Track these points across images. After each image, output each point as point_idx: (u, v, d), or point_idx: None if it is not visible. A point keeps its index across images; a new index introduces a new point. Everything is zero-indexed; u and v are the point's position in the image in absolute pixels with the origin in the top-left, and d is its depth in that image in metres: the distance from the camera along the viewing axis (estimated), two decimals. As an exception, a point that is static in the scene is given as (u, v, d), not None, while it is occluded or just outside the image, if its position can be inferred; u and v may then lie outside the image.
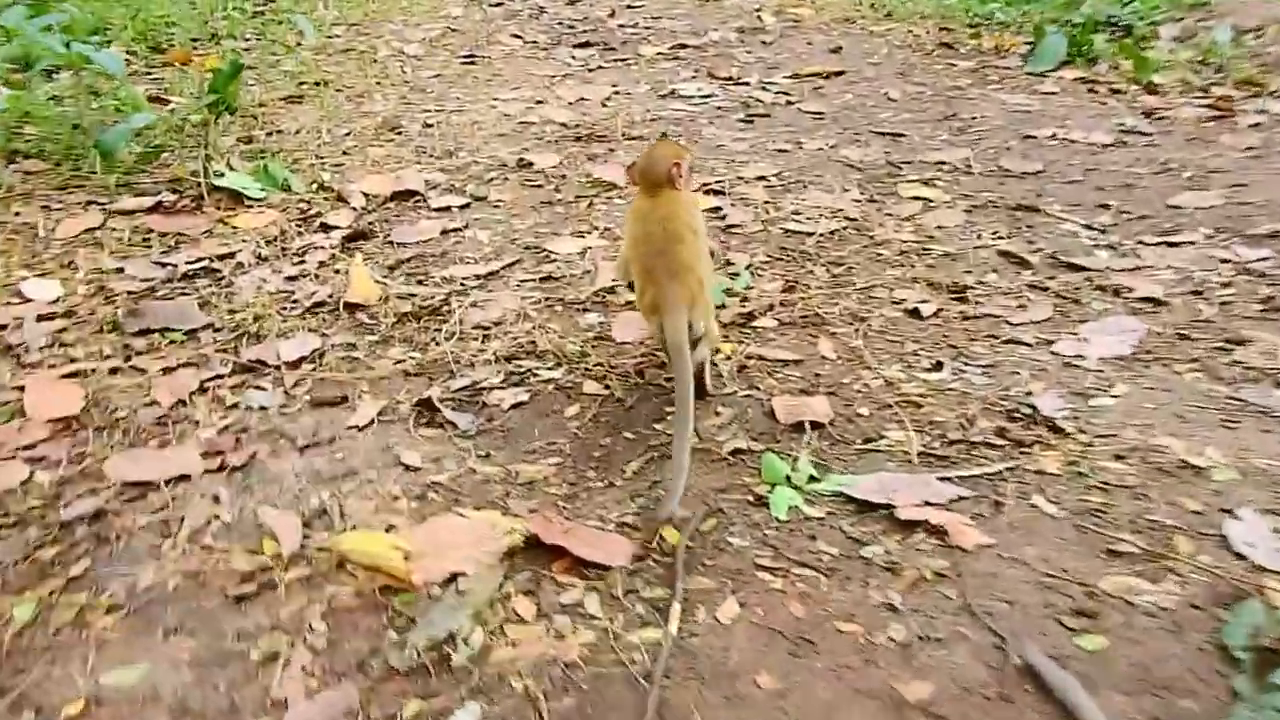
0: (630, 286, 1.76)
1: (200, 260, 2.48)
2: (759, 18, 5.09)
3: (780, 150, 3.19)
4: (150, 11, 4.80)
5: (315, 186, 2.93)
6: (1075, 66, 4.12)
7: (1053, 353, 1.90)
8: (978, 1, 5.36)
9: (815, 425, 1.66)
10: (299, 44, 4.43)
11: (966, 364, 1.86)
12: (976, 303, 2.11)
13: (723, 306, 2.10)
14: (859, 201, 2.73)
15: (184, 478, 1.61)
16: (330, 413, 1.81)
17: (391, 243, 2.56)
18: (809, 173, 2.97)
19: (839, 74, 4.09)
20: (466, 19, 5.19)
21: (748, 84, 3.98)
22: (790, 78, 4.07)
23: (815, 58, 4.40)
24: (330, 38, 4.70)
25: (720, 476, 1.57)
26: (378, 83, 3.94)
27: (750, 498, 1.51)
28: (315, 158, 3.15)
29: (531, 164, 3.05)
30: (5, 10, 4.64)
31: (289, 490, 1.58)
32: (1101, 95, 3.73)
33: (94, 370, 1.97)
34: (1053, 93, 3.79)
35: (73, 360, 2.02)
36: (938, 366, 1.85)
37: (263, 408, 1.83)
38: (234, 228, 2.69)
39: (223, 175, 2.89)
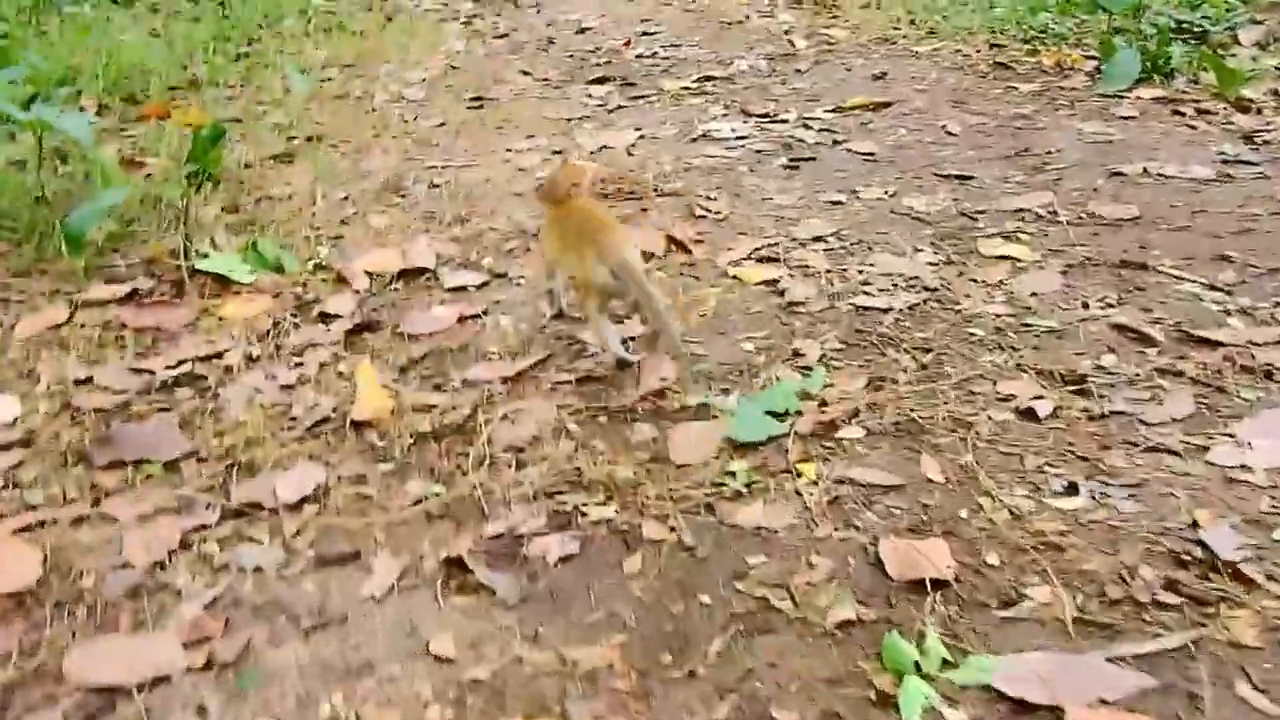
0: (550, 296, 2.31)
1: (181, 364, 2.26)
2: (790, 42, 4.90)
3: (834, 202, 2.97)
4: (123, 58, 4.64)
5: (312, 265, 2.72)
6: (1151, 84, 3.89)
7: (1209, 463, 1.66)
8: (1028, 12, 5.16)
9: (938, 583, 1.41)
10: (288, 91, 4.25)
11: (1106, 484, 1.62)
12: (1100, 396, 1.86)
13: (799, 413, 1.86)
14: (935, 265, 2.50)
15: (162, 679, 1.38)
16: (340, 574, 1.57)
17: (401, 335, 2.34)
18: (871, 229, 2.74)
19: (887, 105, 3.88)
20: (468, 55, 5.03)
21: (786, 121, 3.78)
22: (833, 111, 3.86)
23: (857, 86, 4.19)
24: (322, 82, 4.53)
25: (827, 661, 1.32)
26: (376, 135, 3.75)
27: (871, 694, 1.26)
28: (310, 228, 2.95)
29: (555, 229, 2.83)
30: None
31: (291, 692, 1.34)
32: (1188, 117, 3.50)
33: (55, 520, 1.75)
34: (1132, 117, 3.56)
35: (30, 507, 1.80)
36: (1072, 489, 1.61)
37: (258, 569, 1.60)
38: (220, 319, 2.49)
39: (206, 256, 2.69)
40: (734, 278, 2.48)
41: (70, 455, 1.93)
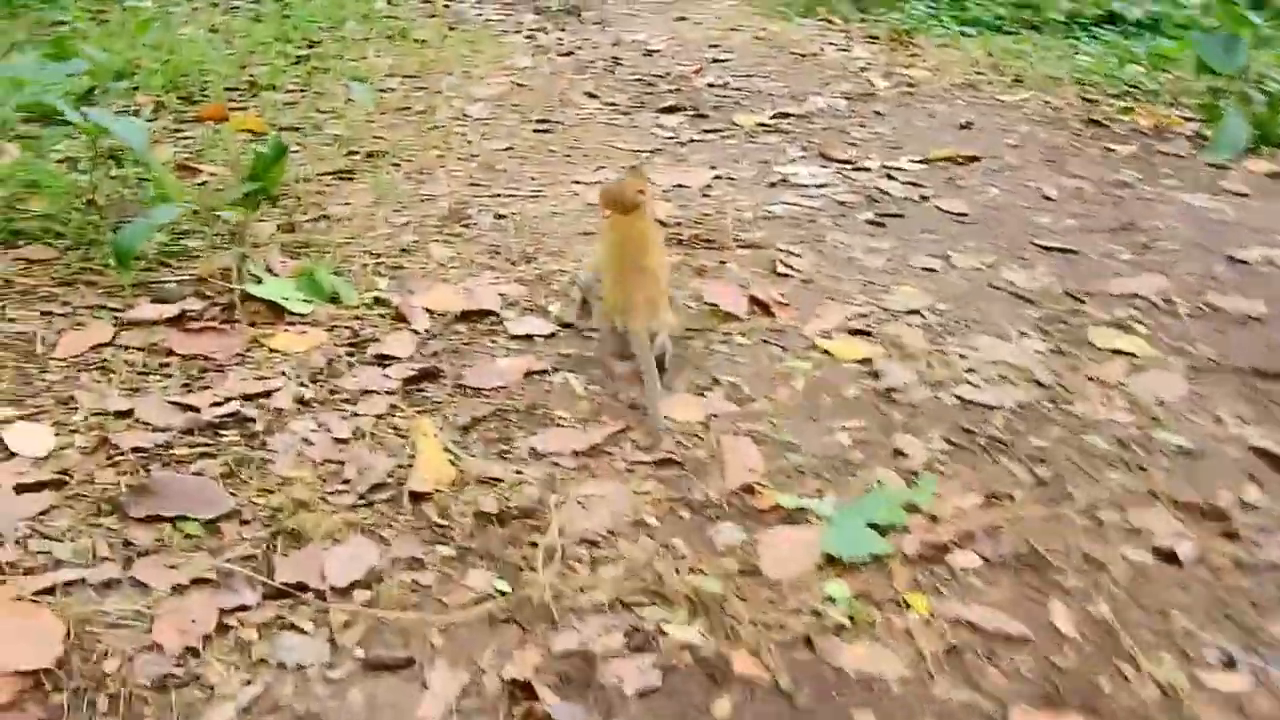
0: (584, 305, 2.36)
1: (229, 401, 2.11)
2: (869, 81, 4.71)
3: (927, 269, 2.78)
4: (183, 55, 4.54)
5: (370, 298, 2.56)
6: (1259, 155, 3.67)
7: (1385, 643, 1.45)
8: (1117, 64, 4.95)
9: (1085, 778, 1.22)
10: (349, 101, 4.12)
11: (1269, 662, 1.42)
12: (1250, 542, 1.66)
13: (904, 529, 1.68)
14: (1043, 355, 2.30)
15: (189, 808, 1.21)
16: (391, 684, 1.41)
17: (464, 388, 2.18)
18: (970, 305, 2.55)
19: (975, 159, 3.69)
20: (535, 72, 4.88)
21: (868, 169, 3.59)
22: (918, 162, 3.67)
23: (943, 135, 4.00)
24: (383, 92, 4.39)
25: None
26: (440, 155, 3.60)
27: None
28: (369, 255, 2.80)
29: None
30: (15, 55, 4.40)
31: (335, 841, 1.17)
32: (1305, 200, 3.28)
33: (81, 582, 1.60)
34: (1243, 193, 3.35)
35: (57, 562, 1.65)
36: (1230, 663, 1.41)
37: (300, 667, 1.44)
38: (271, 351, 2.34)
39: (259, 281, 2.54)
40: (824, 352, 2.30)
41: (104, 504, 1.78)
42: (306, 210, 3.10)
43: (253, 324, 2.44)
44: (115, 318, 2.45)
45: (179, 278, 2.67)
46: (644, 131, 4.04)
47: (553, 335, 2.41)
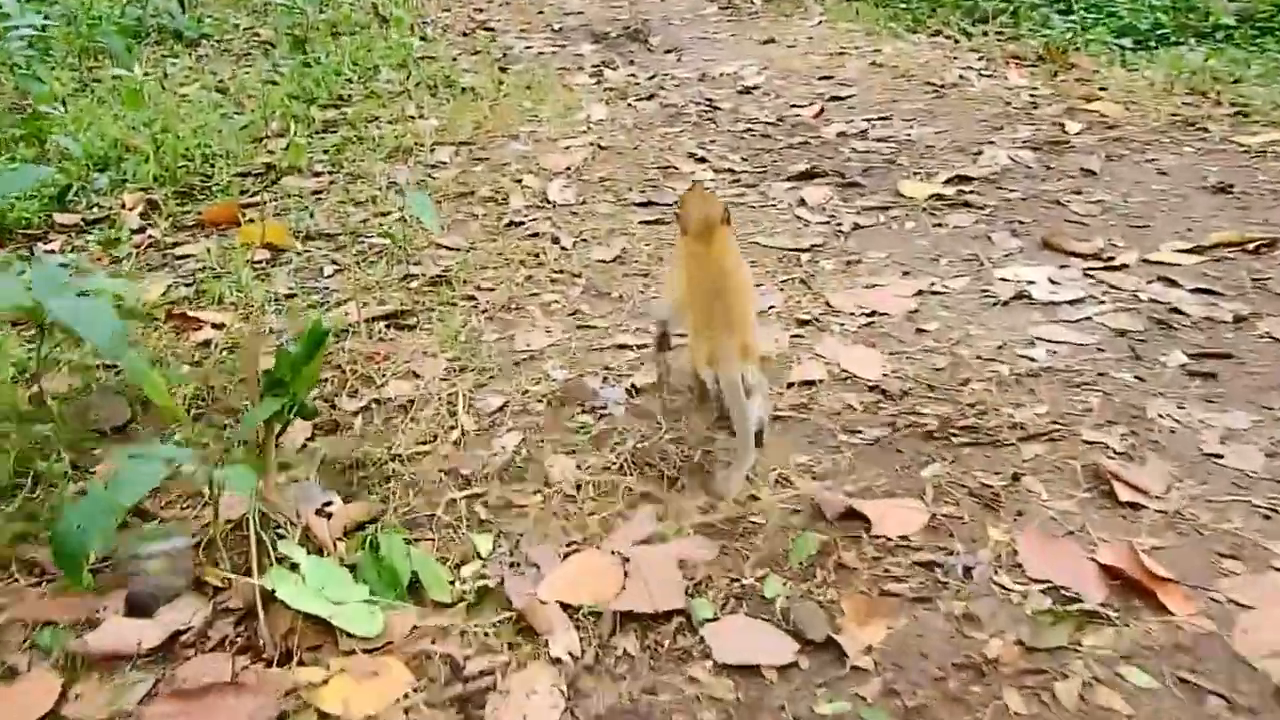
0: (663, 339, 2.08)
1: None
2: (1056, 124, 3.65)
3: (1339, 472, 1.74)
4: (182, 130, 3.58)
5: (472, 582, 1.58)
6: None
7: None
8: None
9: None
10: (392, 184, 3.14)
11: None
12: None
13: None
14: None
15: None
16: None
17: (672, 833, 1.17)
18: None
19: (1270, 245, 2.63)
20: (615, 126, 3.88)
21: (1126, 267, 2.56)
22: (1190, 251, 2.63)
23: (1197, 205, 2.95)
24: (433, 169, 3.41)
25: None
26: (528, 276, 2.61)
27: None
28: (455, 480, 1.81)
29: (866, 526, 1.65)
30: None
31: None
32: None
33: None
34: None
35: None
36: None
37: None
38: (322, 718, 1.35)
39: (294, 567, 1.55)
40: (1303, 710, 1.27)
41: None
42: (354, 389, 2.12)
43: (287, 655, 1.47)
44: (64, 654, 1.48)
45: (169, 545, 1.69)
46: (785, 213, 3.02)
47: (791, 666, 1.40)
